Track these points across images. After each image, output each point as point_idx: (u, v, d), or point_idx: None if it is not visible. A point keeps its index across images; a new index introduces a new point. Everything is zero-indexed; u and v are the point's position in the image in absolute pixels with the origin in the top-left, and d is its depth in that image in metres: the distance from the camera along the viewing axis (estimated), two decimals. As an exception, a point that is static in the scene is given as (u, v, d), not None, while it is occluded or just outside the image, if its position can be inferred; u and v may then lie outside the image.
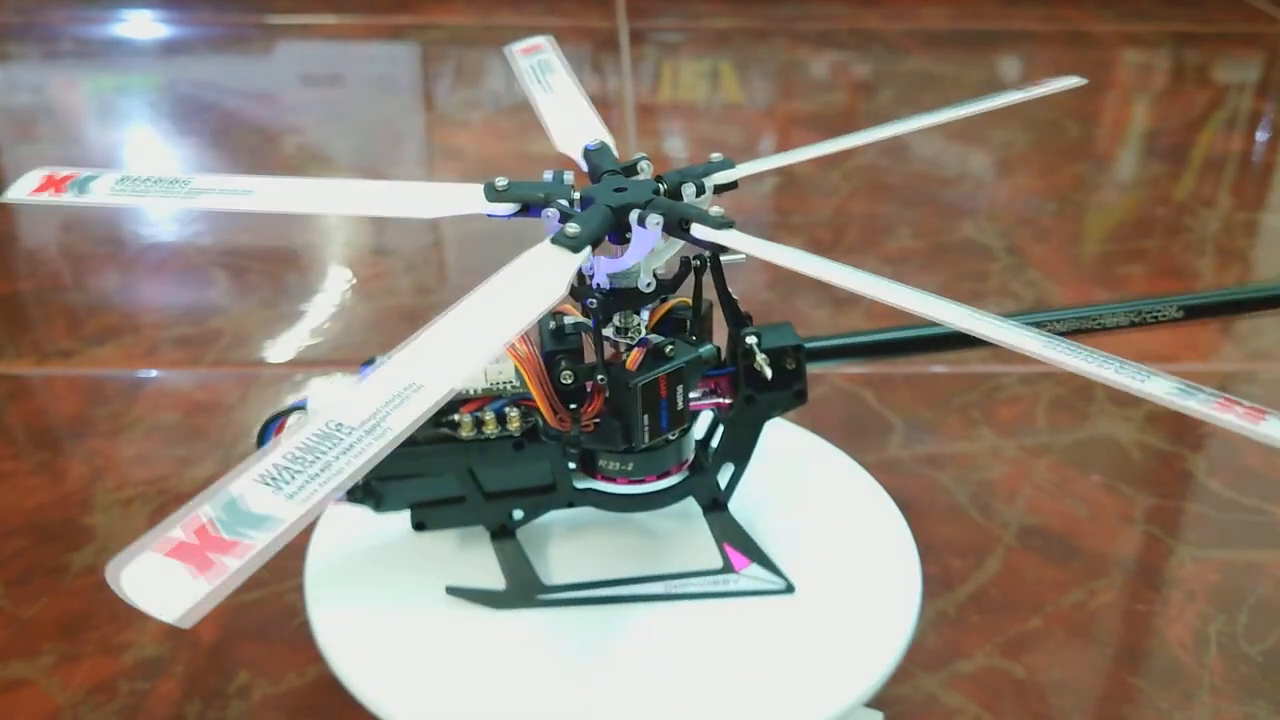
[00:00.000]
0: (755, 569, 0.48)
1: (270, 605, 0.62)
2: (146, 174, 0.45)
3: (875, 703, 0.47)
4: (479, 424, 0.45)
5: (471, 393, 0.46)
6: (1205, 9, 1.71)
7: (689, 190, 0.43)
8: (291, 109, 1.35)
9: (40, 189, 0.45)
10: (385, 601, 0.48)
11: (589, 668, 0.46)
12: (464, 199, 0.43)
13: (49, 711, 0.56)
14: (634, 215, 0.40)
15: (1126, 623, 0.63)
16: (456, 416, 0.45)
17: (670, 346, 0.43)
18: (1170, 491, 0.73)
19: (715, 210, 0.40)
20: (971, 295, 0.94)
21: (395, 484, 0.48)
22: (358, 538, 0.52)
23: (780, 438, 0.60)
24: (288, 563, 0.65)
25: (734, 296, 0.46)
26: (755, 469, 0.49)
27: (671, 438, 0.46)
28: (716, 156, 0.44)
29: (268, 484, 0.30)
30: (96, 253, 1.00)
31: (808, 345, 0.48)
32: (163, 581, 0.27)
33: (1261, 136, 1.33)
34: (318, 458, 0.30)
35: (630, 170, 0.44)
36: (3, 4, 1.60)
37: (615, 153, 0.45)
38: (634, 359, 0.43)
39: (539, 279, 0.38)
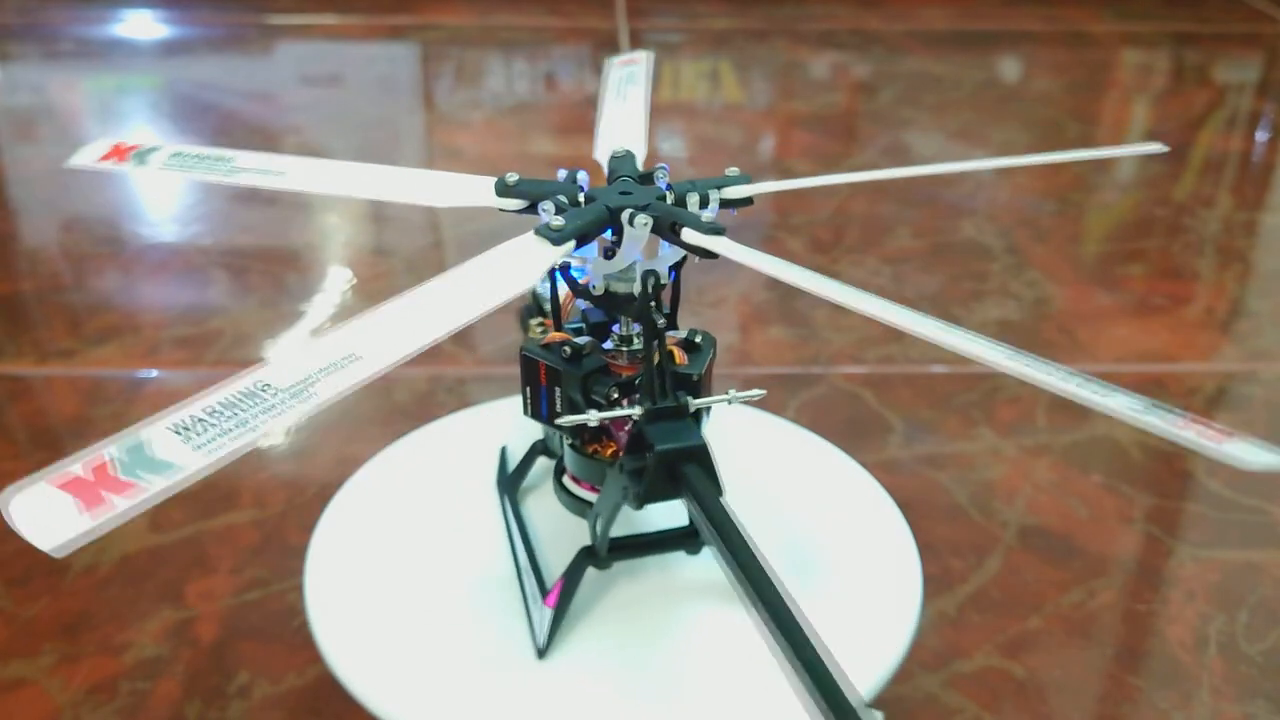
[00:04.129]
0: (548, 616, 0.46)
1: (270, 605, 0.62)
2: (196, 150, 0.47)
3: (875, 703, 0.46)
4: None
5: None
6: (1205, 9, 1.71)
7: (693, 199, 0.42)
8: (291, 109, 1.35)
9: (106, 156, 0.47)
10: (385, 601, 0.48)
11: (586, 670, 0.46)
12: (475, 191, 0.44)
13: (49, 711, 0.56)
14: (625, 214, 0.40)
15: (1126, 623, 0.63)
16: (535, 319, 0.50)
17: (570, 349, 0.43)
18: (1170, 491, 0.73)
19: (707, 216, 0.40)
20: (971, 295, 0.95)
21: None
22: (358, 538, 0.52)
23: (779, 438, 0.60)
24: (288, 563, 0.66)
25: (670, 369, 0.42)
26: (756, 468, 0.49)
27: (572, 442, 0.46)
28: (733, 171, 0.43)
29: (179, 433, 0.30)
30: (96, 253, 1.00)
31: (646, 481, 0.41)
32: (49, 512, 0.27)
33: (1261, 136, 1.33)
34: (237, 414, 0.31)
35: (647, 178, 0.44)
36: (3, 4, 1.60)
37: (639, 162, 0.45)
38: (551, 337, 0.44)
39: (512, 266, 0.38)
